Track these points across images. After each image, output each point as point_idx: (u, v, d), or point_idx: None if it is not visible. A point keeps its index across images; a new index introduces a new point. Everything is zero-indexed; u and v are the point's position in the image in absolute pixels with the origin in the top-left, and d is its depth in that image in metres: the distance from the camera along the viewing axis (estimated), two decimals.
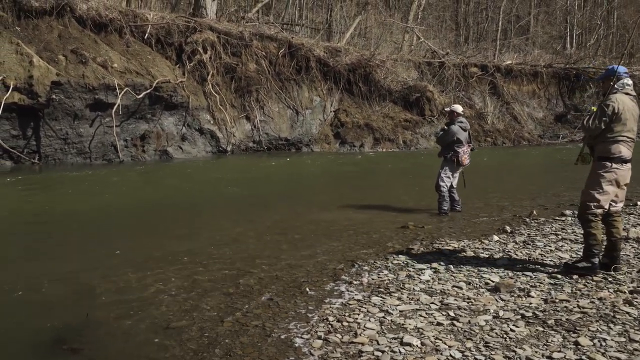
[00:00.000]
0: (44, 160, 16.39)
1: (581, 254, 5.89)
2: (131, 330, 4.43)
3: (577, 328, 4.25)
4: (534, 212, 9.07)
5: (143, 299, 5.12)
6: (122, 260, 6.42)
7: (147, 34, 19.63)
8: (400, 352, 3.90)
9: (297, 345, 4.08)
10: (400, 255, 6.49)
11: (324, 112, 23.57)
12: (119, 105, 17.02)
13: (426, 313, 4.61)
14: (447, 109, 9.51)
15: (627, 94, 5.53)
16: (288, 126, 22.31)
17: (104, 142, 17.30)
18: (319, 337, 4.19)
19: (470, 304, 4.82)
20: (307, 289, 5.30)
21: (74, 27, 18.06)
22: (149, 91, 17.92)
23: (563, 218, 8.72)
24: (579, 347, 3.94)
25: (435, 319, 4.49)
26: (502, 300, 4.91)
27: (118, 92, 17.00)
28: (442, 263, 6.11)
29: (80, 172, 14.86)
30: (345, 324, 4.43)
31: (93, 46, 17.92)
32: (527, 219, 8.70)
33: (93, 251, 6.93)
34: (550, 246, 6.88)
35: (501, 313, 4.57)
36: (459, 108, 9.37)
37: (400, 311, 4.66)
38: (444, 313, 4.60)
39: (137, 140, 18.25)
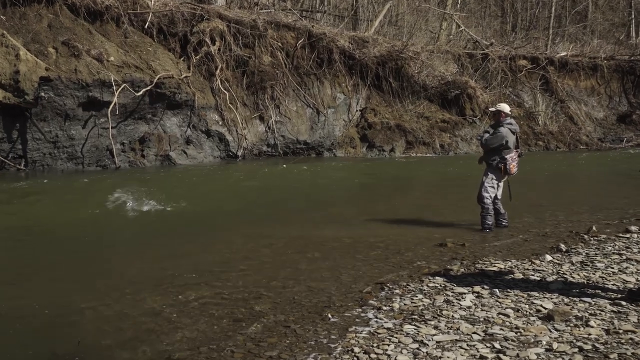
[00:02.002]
0: (31, 166, 16.63)
1: None
2: None
3: None
4: (594, 228, 8.96)
5: (141, 324, 5.15)
6: (117, 281, 6.48)
7: (147, 23, 19.87)
8: None
9: None
10: (437, 277, 6.45)
11: (349, 112, 23.59)
12: (115, 103, 17.22)
13: (467, 345, 4.57)
14: (492, 109, 9.44)
15: None
16: (307, 128, 22.37)
17: (98, 145, 17.52)
18: None
19: (519, 334, 4.78)
20: (329, 315, 5.29)
21: (66, 15, 18.35)
22: (149, 88, 18.11)
23: (628, 235, 8.60)
24: None
25: (478, 351, 4.45)
26: (557, 330, 4.85)
27: (115, 89, 17.21)
28: (485, 286, 6.06)
29: (72, 179, 15.05)
30: (373, 356, 4.41)
31: (87, 37, 18.19)
32: (586, 236, 8.60)
33: (85, 270, 7.00)
34: (612, 268, 6.78)
35: (555, 345, 4.52)
36: (506, 108, 9.30)
37: (437, 342, 4.63)
38: (488, 345, 4.56)
39: (135, 144, 18.44)
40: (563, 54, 29.94)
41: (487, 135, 9.22)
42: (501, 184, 9.30)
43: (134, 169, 17.67)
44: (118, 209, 10.83)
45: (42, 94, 16.24)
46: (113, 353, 4.60)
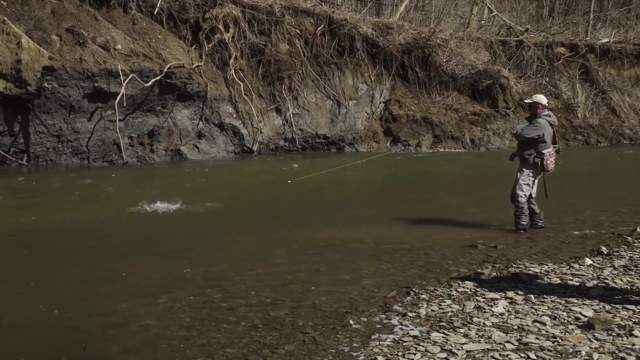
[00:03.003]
0: (34, 161, 16.82)
1: None
2: None
3: None
4: (638, 230, 8.86)
5: (150, 329, 5.19)
6: (125, 284, 6.53)
7: (157, 9, 19.99)
8: None
9: None
10: (466, 282, 6.42)
11: (372, 104, 23.57)
12: (123, 95, 17.35)
13: (500, 354, 4.54)
14: (528, 101, 9.35)
15: None
16: (327, 121, 22.38)
17: (104, 139, 17.67)
18: None
19: (556, 344, 4.74)
20: (351, 322, 5.29)
21: (70, 1, 18.52)
22: (158, 78, 18.23)
23: None
24: None
25: None
26: (597, 339, 4.81)
27: (122, 79, 17.34)
28: (519, 292, 6.02)
29: (77, 175, 15.19)
30: None
31: (92, 24, 18.34)
32: (629, 238, 8.51)
33: (90, 274, 7.06)
34: None
35: (596, 356, 4.48)
36: (543, 99, 9.21)
37: (467, 351, 4.61)
38: (522, 355, 4.53)
39: (144, 138, 18.58)
40: (605, 40, 29.62)
41: (524, 126, 9.16)
42: (536, 182, 9.23)
43: (143, 165, 17.81)
44: (124, 208, 10.91)
45: (46, 84, 16.40)
46: (120, 359, 4.64)
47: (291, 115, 21.44)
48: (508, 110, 24.64)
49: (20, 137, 16.60)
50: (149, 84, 18.01)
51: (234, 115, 20.41)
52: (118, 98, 17.30)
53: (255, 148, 20.53)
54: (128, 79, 17.46)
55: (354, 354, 4.64)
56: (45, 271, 7.16)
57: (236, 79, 20.60)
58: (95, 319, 5.47)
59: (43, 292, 6.28)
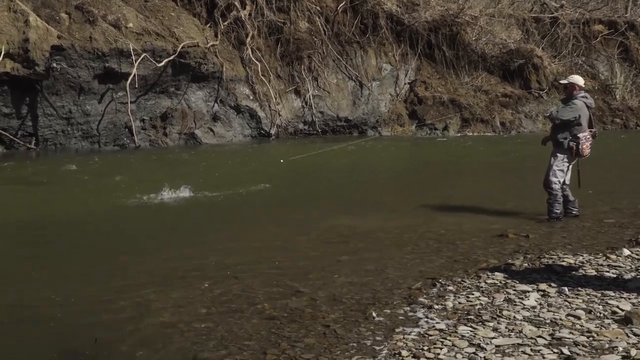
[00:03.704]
0: (42, 145, 16.96)
1: None
2: None
3: None
4: None
5: (164, 321, 5.23)
6: (137, 274, 6.58)
7: None
8: None
9: None
10: (496, 273, 6.40)
11: (397, 85, 23.48)
12: (134, 75, 17.42)
13: (531, 350, 4.53)
14: (564, 81, 9.25)
15: None
16: (349, 103, 22.34)
17: (115, 122, 17.77)
18: None
19: (591, 339, 4.71)
20: (374, 314, 5.29)
21: None
22: (172, 58, 18.27)
23: None
24: None
25: (544, 357, 4.40)
26: (635, 335, 4.78)
27: (134, 59, 17.40)
28: (552, 284, 5.98)
29: (87, 159, 15.29)
30: None
31: (103, 1, 18.41)
32: None
33: (102, 263, 7.12)
34: None
35: (633, 352, 4.45)
36: (580, 80, 9.09)
37: (496, 346, 4.60)
38: (555, 350, 4.51)
39: (157, 121, 18.67)
40: None
41: (561, 108, 9.05)
42: (570, 168, 9.14)
43: (155, 149, 17.90)
44: (136, 195, 10.98)
45: (54, 64, 16.50)
46: (132, 351, 4.68)
47: (311, 97, 21.42)
48: (541, 92, 24.42)
49: (28, 119, 16.74)
50: (162, 64, 18.06)
51: (251, 97, 20.43)
52: (130, 79, 17.37)
53: (273, 131, 20.55)
54: (140, 59, 17.52)
55: (377, 348, 4.64)
56: (55, 261, 7.24)
57: (253, 59, 20.60)
58: (106, 310, 5.52)
59: (53, 282, 6.35)
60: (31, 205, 10.57)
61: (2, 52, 15.85)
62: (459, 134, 22.44)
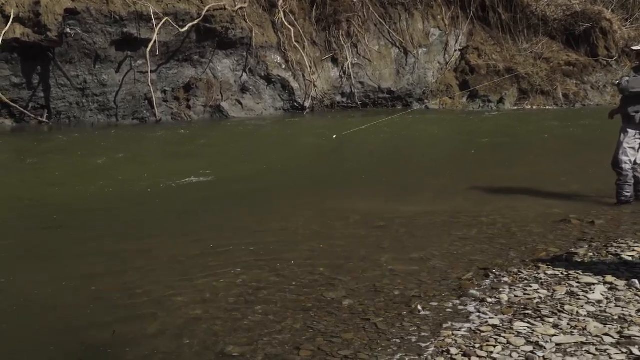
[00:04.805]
0: (55, 118, 17.17)
1: None
2: (172, 355, 4.59)
3: None
4: None
5: (187, 311, 5.28)
6: (160, 260, 6.66)
7: None
8: None
9: None
10: (557, 263, 6.35)
11: (446, 52, 23.31)
12: (155, 42, 17.50)
13: (597, 349, 4.49)
14: (636, 48, 9.12)
15: None
16: (392, 72, 22.24)
17: (134, 94, 17.91)
18: None
19: None
20: (419, 307, 5.29)
21: None
22: (196, 22, 18.32)
23: None
24: None
25: (611, 357, 4.37)
26: None
27: (154, 23, 17.48)
28: (621, 276, 5.92)
29: (104, 134, 15.45)
30: (474, 359, 4.39)
31: None
32: None
33: (122, 248, 7.21)
34: None
35: None
36: None
37: (557, 345, 4.57)
38: (623, 350, 4.47)
39: (179, 92, 18.77)
40: None
41: (631, 78, 8.90)
42: None
43: (178, 123, 18.02)
44: (158, 174, 11.08)
45: (68, 30, 16.63)
46: (154, 344, 4.74)
47: (350, 66, 21.35)
48: (610, 60, 24.04)
49: (39, 90, 16.93)
50: (185, 29, 18.12)
51: (283, 66, 20.42)
52: (150, 45, 17.45)
53: (307, 104, 20.55)
54: (161, 24, 17.59)
55: (423, 345, 4.64)
56: (73, 245, 7.35)
57: (286, 24, 20.56)
58: (126, 298, 5.60)
59: (71, 267, 6.45)
60: (47, 184, 10.74)
61: (11, 17, 16.02)
62: (516, 107, 22.21)
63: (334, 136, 14.21)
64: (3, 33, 15.81)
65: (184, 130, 17.16)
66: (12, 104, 16.58)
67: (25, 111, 16.79)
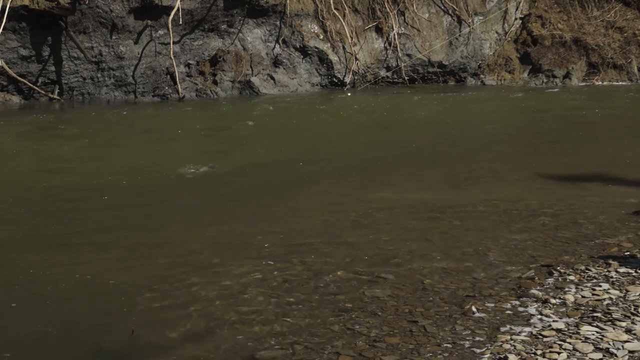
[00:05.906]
0: (67, 95, 17.32)
1: None
2: (197, 359, 4.63)
3: None
4: None
5: (214, 311, 5.31)
6: (182, 254, 6.70)
7: None
8: None
9: None
10: (630, 260, 6.30)
11: (505, 21, 23.10)
12: (178, 9, 17.55)
13: None
14: None
15: None
16: (444, 44, 22.11)
17: (155, 68, 17.99)
18: None
19: None
20: (474, 308, 5.28)
21: None
22: None
23: None
24: None
25: None
26: None
27: None
28: None
29: (121, 113, 15.56)
30: None
31: None
32: None
33: (142, 240, 7.28)
34: None
35: None
36: None
37: (629, 352, 4.54)
38: None
39: (205, 66, 18.82)
40: None
41: None
42: None
43: (203, 100, 18.08)
44: (182, 159, 11.15)
45: None
46: (176, 346, 4.78)
47: (396, 37, 21.26)
48: None
49: (50, 64, 17.06)
50: None
51: (321, 37, 20.39)
52: (172, 13, 17.49)
53: (347, 79, 20.51)
54: None
55: (477, 351, 4.63)
56: (89, 236, 7.44)
57: None
58: (145, 296, 5.64)
59: (86, 260, 6.53)
60: (59, 169, 10.86)
61: None
62: (584, 83, 21.97)
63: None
64: (10, 1, 15.96)
65: (210, 108, 17.22)
66: (20, 78, 16.74)
67: (35, 87, 16.94)
